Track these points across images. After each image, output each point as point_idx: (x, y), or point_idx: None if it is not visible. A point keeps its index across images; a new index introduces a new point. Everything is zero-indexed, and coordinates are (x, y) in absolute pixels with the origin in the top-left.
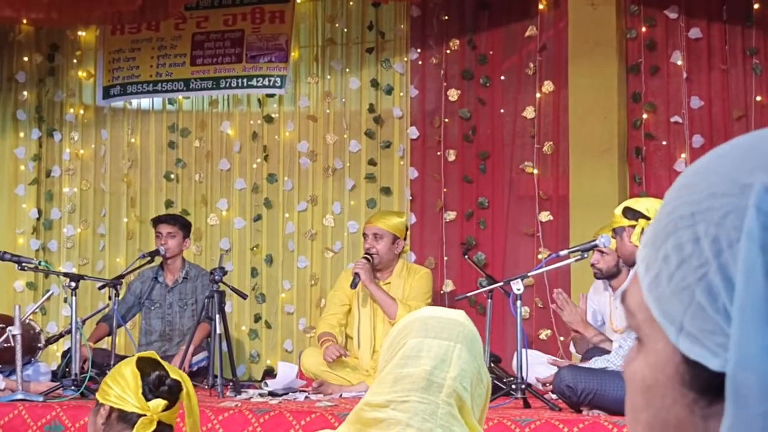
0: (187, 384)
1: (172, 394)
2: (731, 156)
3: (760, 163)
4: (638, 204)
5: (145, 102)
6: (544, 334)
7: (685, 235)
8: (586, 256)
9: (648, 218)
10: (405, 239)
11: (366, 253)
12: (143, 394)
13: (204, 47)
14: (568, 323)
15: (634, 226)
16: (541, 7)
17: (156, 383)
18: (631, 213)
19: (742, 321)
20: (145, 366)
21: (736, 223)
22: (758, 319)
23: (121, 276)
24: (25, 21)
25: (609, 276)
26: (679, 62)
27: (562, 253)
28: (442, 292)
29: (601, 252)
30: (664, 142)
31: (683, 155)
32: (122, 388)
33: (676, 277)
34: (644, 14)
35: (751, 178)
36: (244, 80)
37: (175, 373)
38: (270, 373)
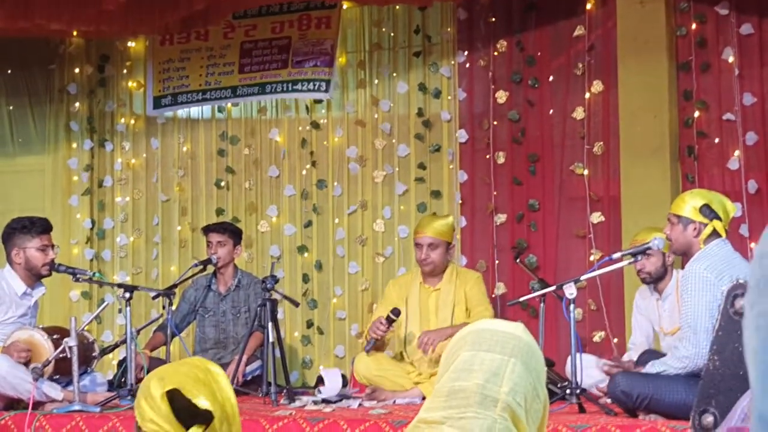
0: (226, 408)
1: (207, 420)
2: None
3: None
4: (714, 204)
5: (194, 110)
6: (598, 336)
7: None
8: (639, 258)
9: (721, 219)
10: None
11: (390, 315)
12: (178, 421)
13: (252, 55)
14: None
15: (706, 225)
16: (588, 6)
17: (187, 415)
18: (709, 212)
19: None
20: (174, 397)
21: None
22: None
23: (174, 285)
24: (75, 33)
25: (657, 279)
26: (731, 59)
27: (615, 256)
28: (493, 295)
29: (647, 255)
30: (717, 140)
31: (736, 153)
32: (156, 415)
33: None
34: (694, 11)
35: None
36: (290, 85)
37: (209, 397)
38: (322, 380)
